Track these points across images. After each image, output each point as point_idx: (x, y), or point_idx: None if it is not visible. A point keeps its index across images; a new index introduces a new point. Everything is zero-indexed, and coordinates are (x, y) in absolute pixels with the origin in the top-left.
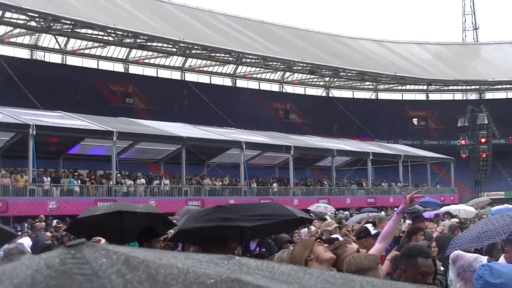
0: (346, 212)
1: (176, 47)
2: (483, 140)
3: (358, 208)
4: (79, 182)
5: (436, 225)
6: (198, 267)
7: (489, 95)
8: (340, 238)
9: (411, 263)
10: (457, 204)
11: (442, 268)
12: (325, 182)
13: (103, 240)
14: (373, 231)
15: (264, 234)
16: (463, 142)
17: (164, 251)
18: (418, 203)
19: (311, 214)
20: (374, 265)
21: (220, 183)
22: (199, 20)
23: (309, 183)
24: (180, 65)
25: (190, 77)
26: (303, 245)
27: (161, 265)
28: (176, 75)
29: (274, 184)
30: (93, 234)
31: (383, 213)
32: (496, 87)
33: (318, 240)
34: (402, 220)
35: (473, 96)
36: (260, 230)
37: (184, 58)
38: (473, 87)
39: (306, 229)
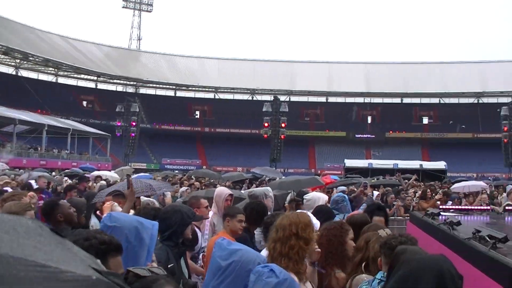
0: (22, 170)
1: None
2: (133, 123)
3: (32, 168)
4: None
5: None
6: None
7: (142, 90)
8: (9, 190)
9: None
10: (110, 170)
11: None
12: (8, 145)
13: None
14: (35, 185)
15: None
16: (118, 123)
17: None
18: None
19: None
20: (20, 211)
21: None
22: None
23: None
24: None
25: None
26: None
27: None
28: None
29: None
30: None
31: (53, 173)
32: (148, 85)
33: None
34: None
35: (131, 90)
36: None
37: None
38: (131, 83)
39: None
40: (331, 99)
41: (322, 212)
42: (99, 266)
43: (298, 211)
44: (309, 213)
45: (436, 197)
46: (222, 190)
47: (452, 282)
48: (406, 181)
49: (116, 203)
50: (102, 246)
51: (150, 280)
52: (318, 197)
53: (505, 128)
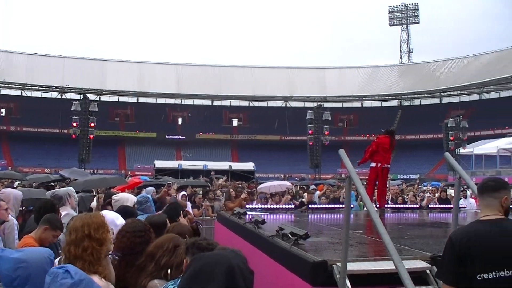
0: None
1: None
2: None
3: None
4: None
5: None
6: None
7: None
8: None
9: None
10: None
11: None
12: None
13: None
14: None
15: None
16: None
17: None
18: None
19: None
20: None
21: None
22: None
23: None
24: None
25: None
26: None
27: None
28: None
29: None
30: None
31: None
32: None
33: None
34: None
35: None
36: None
37: None
38: None
39: None
40: (142, 100)
41: (125, 213)
42: None
43: (105, 211)
44: (115, 213)
45: (242, 196)
46: (16, 193)
47: (241, 277)
48: (214, 181)
49: None
50: None
51: None
52: (127, 198)
53: (310, 131)
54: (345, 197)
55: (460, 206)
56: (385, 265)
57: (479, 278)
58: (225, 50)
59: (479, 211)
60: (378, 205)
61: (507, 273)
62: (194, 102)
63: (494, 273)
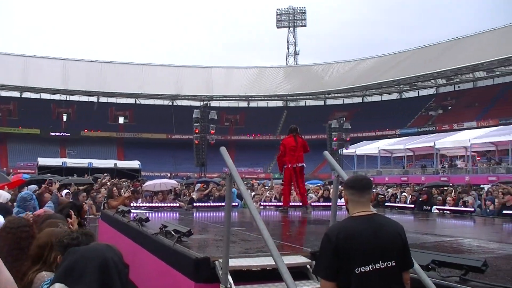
0: None
1: None
2: None
3: None
4: None
5: None
6: None
7: None
8: None
9: None
10: None
11: None
12: None
13: None
14: None
15: None
16: None
17: None
18: None
19: None
20: None
21: None
22: None
23: None
24: None
25: None
26: None
27: None
28: None
29: None
30: None
31: None
32: None
33: None
34: None
35: None
36: None
37: None
38: None
39: None
40: (26, 95)
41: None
42: None
43: None
44: None
45: (125, 194)
46: None
47: (116, 270)
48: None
49: None
50: None
51: None
52: (0, 194)
53: (197, 130)
54: (225, 195)
55: (340, 203)
56: (266, 261)
57: (357, 272)
58: (113, 46)
59: None
60: (302, 203)
61: (382, 265)
62: (80, 98)
63: (370, 266)
